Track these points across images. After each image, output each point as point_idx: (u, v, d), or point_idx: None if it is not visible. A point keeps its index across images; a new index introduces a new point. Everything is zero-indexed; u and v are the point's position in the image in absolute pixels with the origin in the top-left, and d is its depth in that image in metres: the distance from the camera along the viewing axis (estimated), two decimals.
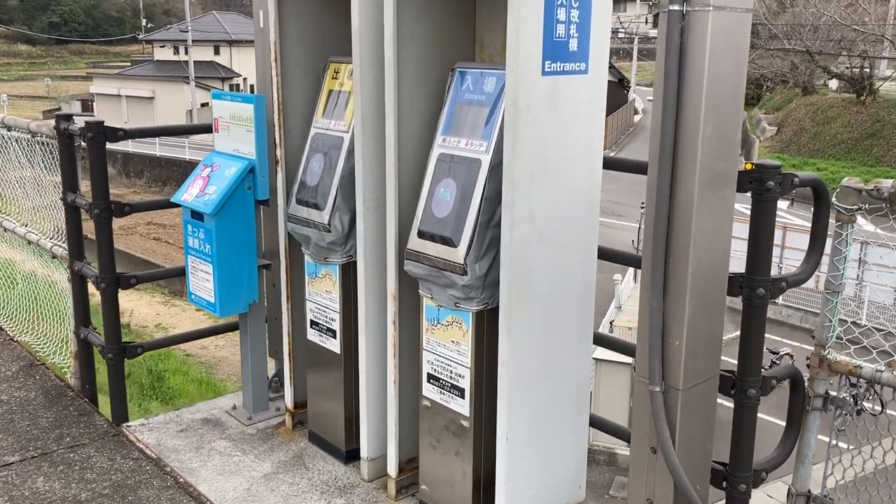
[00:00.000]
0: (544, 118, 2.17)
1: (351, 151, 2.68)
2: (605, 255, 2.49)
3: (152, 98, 44.86)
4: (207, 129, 3.33)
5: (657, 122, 1.96)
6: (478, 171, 2.29)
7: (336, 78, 2.86)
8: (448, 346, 2.45)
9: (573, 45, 2.20)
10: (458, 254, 2.30)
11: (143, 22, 70.79)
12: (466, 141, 2.34)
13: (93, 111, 48.51)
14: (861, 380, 2.15)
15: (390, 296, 2.60)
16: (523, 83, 2.10)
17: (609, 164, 2.48)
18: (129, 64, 57.93)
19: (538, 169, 2.19)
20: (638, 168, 2.45)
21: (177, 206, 3.15)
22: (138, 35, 62.90)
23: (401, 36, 2.43)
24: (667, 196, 1.97)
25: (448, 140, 2.39)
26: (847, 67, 33.14)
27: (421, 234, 2.41)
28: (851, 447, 2.25)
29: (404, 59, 2.46)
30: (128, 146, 33.40)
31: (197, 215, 3.06)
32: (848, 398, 2.24)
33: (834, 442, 2.25)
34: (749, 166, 2.08)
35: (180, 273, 3.34)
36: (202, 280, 3.12)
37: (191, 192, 3.08)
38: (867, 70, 32.37)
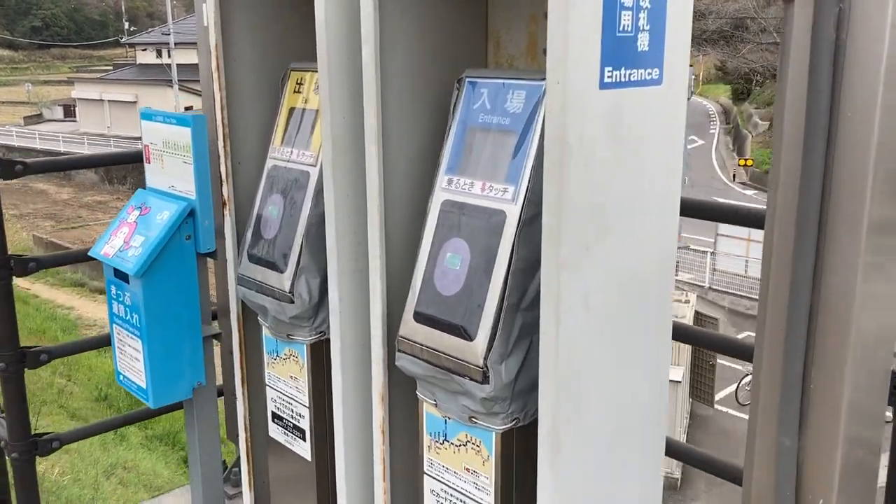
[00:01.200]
0: (604, 154, 1.44)
1: (320, 192, 1.94)
2: (685, 336, 1.77)
3: (135, 102, 43.97)
4: (139, 157, 2.58)
5: (789, 153, 1.24)
6: (501, 228, 1.56)
7: (299, 91, 2.12)
8: (461, 476, 1.71)
9: (643, 42, 1.47)
10: (474, 350, 1.57)
11: (126, 25, 69.68)
12: (483, 184, 1.61)
13: (75, 116, 47.62)
14: None
15: (377, 396, 1.86)
16: (573, 103, 1.36)
17: (692, 208, 1.76)
18: (111, 68, 56.91)
19: (596, 232, 1.46)
20: (747, 218, 1.72)
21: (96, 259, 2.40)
22: (121, 39, 61.88)
23: (385, 32, 1.70)
24: (810, 266, 1.24)
25: (456, 182, 1.66)
26: None
27: (419, 318, 1.67)
28: None
29: (390, 65, 1.73)
30: (110, 148, 32.53)
31: (121, 274, 2.31)
32: None
33: None
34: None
35: (107, 343, 2.60)
36: (131, 358, 2.38)
37: (112, 244, 2.34)
38: None
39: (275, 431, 2.29)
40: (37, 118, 51.15)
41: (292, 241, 2.02)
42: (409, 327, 1.69)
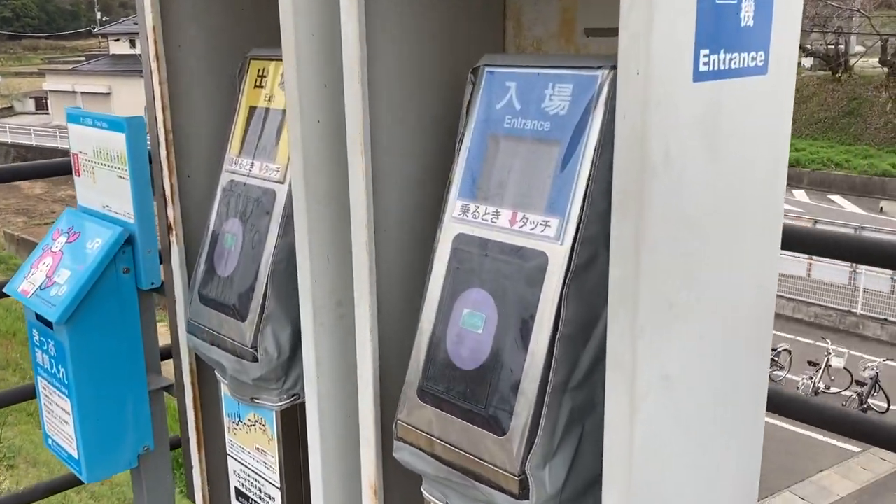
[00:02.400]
0: (697, 174, 1.00)
1: (290, 217, 1.49)
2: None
3: (109, 94, 43.09)
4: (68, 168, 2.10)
5: None
6: (542, 277, 1.11)
7: (261, 86, 1.66)
8: None
9: (747, 14, 1.02)
10: (508, 449, 1.12)
11: (99, 15, 68.31)
12: (514, 214, 1.16)
13: (47, 109, 46.55)
14: None
15: (368, 489, 1.41)
16: (659, 100, 0.92)
17: (806, 241, 1.31)
18: (84, 59, 55.68)
19: (685, 283, 1.02)
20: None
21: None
22: (93, 29, 60.59)
23: (373, 6, 1.25)
24: None
25: (474, 210, 1.21)
26: (821, 44, 32.49)
27: (426, 397, 1.22)
28: None
29: (381, 50, 1.27)
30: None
31: (44, 318, 1.85)
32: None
33: None
34: None
35: (32, 395, 2.12)
36: (59, 419, 1.91)
37: (32, 279, 1.86)
38: (842, 47, 31.75)
39: None
40: (8, 111, 49.98)
41: (254, 280, 1.56)
42: (413, 409, 1.24)
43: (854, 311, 16.55)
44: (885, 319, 15.42)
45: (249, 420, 1.71)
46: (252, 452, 1.73)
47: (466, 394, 1.17)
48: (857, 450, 11.37)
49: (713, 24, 0.97)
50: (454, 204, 1.23)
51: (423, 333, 1.23)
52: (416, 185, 1.36)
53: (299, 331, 1.48)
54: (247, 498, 1.79)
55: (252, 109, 1.66)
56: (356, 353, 1.38)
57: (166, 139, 1.73)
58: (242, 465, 1.78)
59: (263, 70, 1.65)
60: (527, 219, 1.14)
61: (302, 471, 1.62)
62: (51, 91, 46.11)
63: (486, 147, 1.21)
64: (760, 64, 1.06)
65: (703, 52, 0.96)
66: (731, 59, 1.01)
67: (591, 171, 1.08)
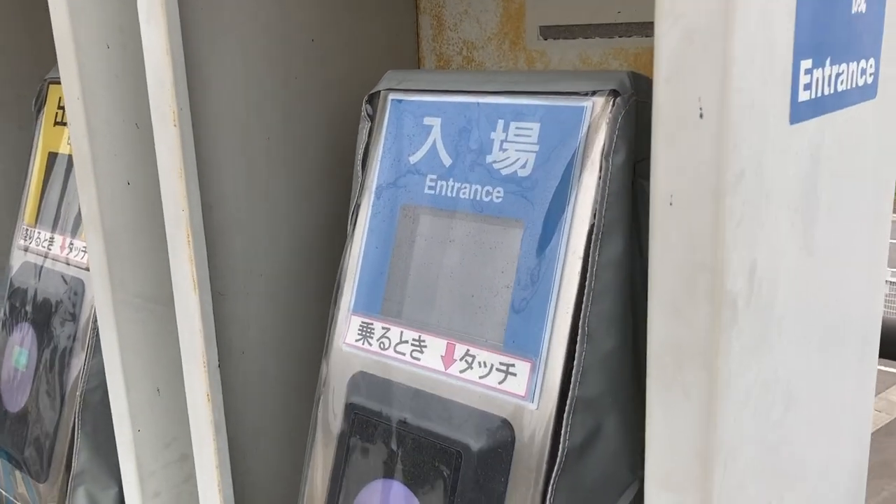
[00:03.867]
0: (790, 293, 0.54)
1: None
2: None
3: None
4: None
5: None
6: (504, 466, 0.63)
7: (64, 122, 1.13)
8: None
9: (859, 4, 0.57)
10: None
11: None
12: (449, 348, 0.67)
13: None
14: None
15: None
16: (739, 169, 0.45)
17: None
18: None
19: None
20: None
21: None
22: None
23: None
24: None
25: (381, 337, 0.72)
26: None
27: None
28: None
29: (216, 64, 0.77)
30: None
31: None
32: None
33: None
34: None
35: None
36: None
37: None
38: None
39: None
40: None
41: (57, 419, 1.03)
42: None
43: None
44: None
45: None
46: None
47: None
48: None
49: (817, 9, 0.50)
50: (346, 321, 0.74)
51: None
52: (288, 281, 0.86)
53: (122, 492, 0.97)
54: None
55: (52, 157, 1.13)
56: None
57: None
58: None
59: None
60: (472, 357, 0.65)
61: None
62: None
63: (396, 226, 0.72)
64: (870, 80, 0.60)
65: (805, 64, 0.50)
66: (838, 76, 0.54)
67: (585, 275, 0.60)
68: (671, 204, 0.44)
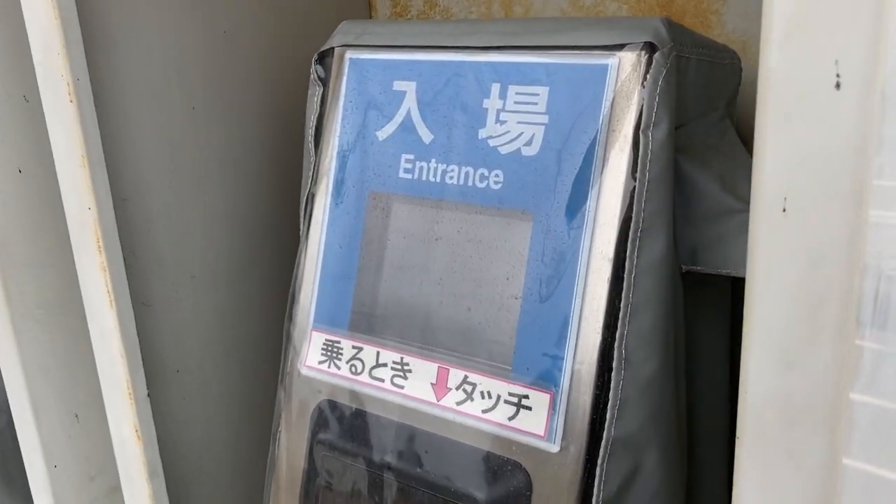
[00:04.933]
0: None
1: None
2: None
3: None
4: None
5: None
6: None
7: None
8: None
9: None
10: None
11: None
12: (441, 374, 0.54)
13: None
14: None
15: None
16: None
17: None
18: None
19: None
20: None
21: None
22: None
23: None
24: None
25: (351, 352, 0.58)
26: None
27: None
28: None
29: (117, 17, 0.61)
30: None
31: None
32: None
33: None
34: None
35: None
36: None
37: None
38: None
39: None
40: None
41: None
42: None
43: None
44: None
45: None
46: None
47: None
48: None
49: None
50: (306, 338, 0.60)
51: None
52: (228, 284, 0.71)
53: None
54: None
55: None
56: None
57: None
58: None
59: None
60: (471, 386, 0.52)
61: None
62: None
63: (363, 219, 0.58)
64: None
65: None
66: None
67: (615, 283, 0.47)
68: (784, 210, 0.31)
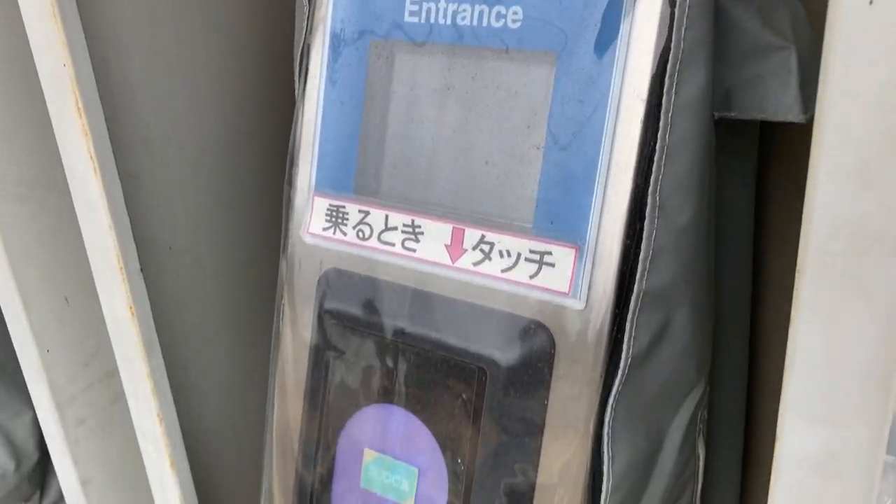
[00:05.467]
0: None
1: None
2: None
3: None
4: None
5: None
6: (542, 385, 0.49)
7: None
8: None
9: None
10: None
11: None
12: (455, 234, 0.51)
13: None
14: None
15: None
16: None
17: None
18: None
19: None
20: None
21: None
22: None
23: None
24: None
25: (357, 217, 0.55)
26: None
27: None
28: None
29: None
30: None
31: None
32: None
33: None
34: None
35: None
36: None
37: None
38: None
39: None
40: None
41: None
42: None
43: None
44: None
45: None
46: None
47: None
48: None
49: None
50: (307, 204, 0.56)
51: (281, 496, 0.58)
52: (217, 152, 0.67)
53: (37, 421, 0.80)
54: None
55: None
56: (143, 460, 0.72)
57: None
58: None
59: None
60: (489, 245, 0.49)
61: None
62: None
63: (366, 71, 0.53)
64: None
65: None
66: None
67: (649, 124, 0.43)
68: (871, 3, 0.27)
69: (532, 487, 0.48)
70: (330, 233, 0.54)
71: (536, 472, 0.48)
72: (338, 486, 0.55)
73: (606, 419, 0.46)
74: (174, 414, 0.65)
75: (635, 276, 0.44)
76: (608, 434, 0.46)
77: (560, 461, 0.47)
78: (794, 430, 0.35)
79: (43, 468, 0.89)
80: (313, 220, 0.55)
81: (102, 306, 0.63)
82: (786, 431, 0.35)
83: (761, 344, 0.60)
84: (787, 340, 0.34)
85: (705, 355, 0.51)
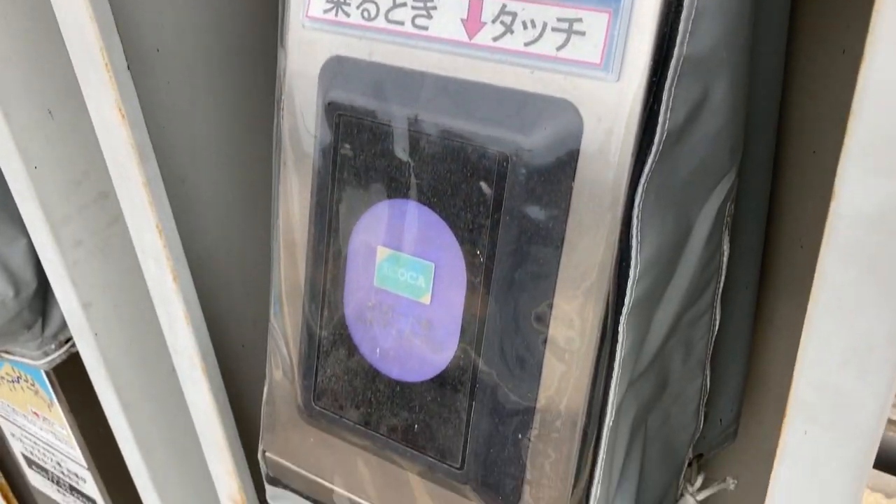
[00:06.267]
0: None
1: None
2: None
3: None
4: None
5: None
6: (568, 170, 0.45)
7: None
8: None
9: None
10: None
11: None
12: (473, 6, 0.46)
13: None
14: None
15: (228, 501, 0.81)
16: None
17: None
18: None
19: None
20: None
21: None
22: None
23: None
24: None
25: None
26: None
27: (319, 417, 0.59)
28: None
29: None
30: None
31: None
32: None
33: None
34: None
35: None
36: None
37: None
38: None
39: (38, 481, 1.21)
40: None
41: None
42: (290, 435, 0.60)
43: None
44: None
45: (14, 376, 1.03)
46: (29, 416, 1.07)
47: (408, 428, 0.54)
48: None
49: None
50: None
51: (289, 302, 0.56)
52: None
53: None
54: (44, 470, 1.16)
55: None
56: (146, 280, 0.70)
57: None
58: (21, 429, 1.12)
59: None
60: (511, 16, 0.44)
61: (109, 447, 0.99)
62: None
63: None
64: None
65: None
66: None
67: None
68: None
69: (556, 276, 0.46)
70: (332, 14, 0.50)
71: (560, 260, 0.45)
72: (350, 287, 0.53)
73: (637, 201, 0.43)
74: (174, 225, 0.63)
75: (675, 39, 0.40)
76: (637, 217, 0.43)
77: (585, 248, 0.45)
78: (854, 183, 0.32)
79: (43, 296, 0.88)
80: (313, 2, 0.50)
81: (90, 111, 0.59)
82: (846, 184, 0.32)
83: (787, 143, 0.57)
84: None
85: (738, 141, 0.48)
